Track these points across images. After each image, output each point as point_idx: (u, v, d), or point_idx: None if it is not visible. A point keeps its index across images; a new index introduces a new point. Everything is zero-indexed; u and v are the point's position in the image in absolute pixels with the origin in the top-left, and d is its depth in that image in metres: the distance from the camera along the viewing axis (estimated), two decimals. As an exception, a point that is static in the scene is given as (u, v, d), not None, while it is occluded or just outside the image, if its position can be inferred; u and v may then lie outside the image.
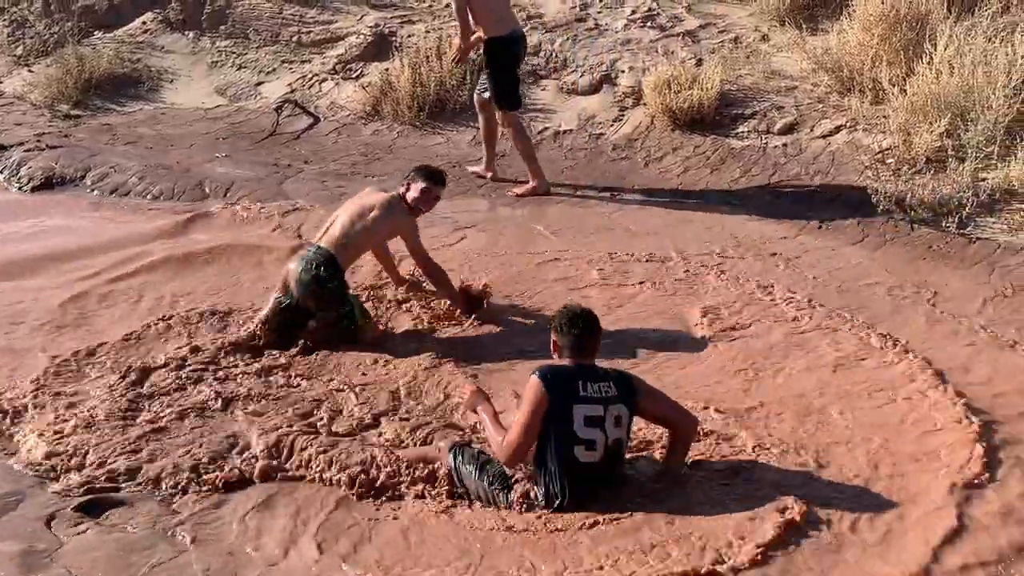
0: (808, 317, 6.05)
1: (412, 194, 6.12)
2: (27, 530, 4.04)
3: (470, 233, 7.67)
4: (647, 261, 6.95)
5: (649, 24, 10.45)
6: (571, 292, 6.43)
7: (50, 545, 3.94)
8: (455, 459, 4.45)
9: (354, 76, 10.94)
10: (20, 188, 9.19)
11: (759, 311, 6.16)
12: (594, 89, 9.93)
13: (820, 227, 7.55)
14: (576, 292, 6.43)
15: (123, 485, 4.37)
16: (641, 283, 6.62)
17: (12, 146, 9.85)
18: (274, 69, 11.48)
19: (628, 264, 6.91)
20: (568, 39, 10.57)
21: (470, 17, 8.06)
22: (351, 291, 6.05)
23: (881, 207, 7.56)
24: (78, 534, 4.04)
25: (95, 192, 8.97)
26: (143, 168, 9.19)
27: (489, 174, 8.78)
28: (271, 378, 5.41)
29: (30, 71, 11.92)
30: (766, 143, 8.85)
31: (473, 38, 8.19)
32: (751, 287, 6.50)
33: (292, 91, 10.98)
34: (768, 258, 7.01)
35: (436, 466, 4.50)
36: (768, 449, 4.61)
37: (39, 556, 3.85)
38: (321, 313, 5.80)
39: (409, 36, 11.12)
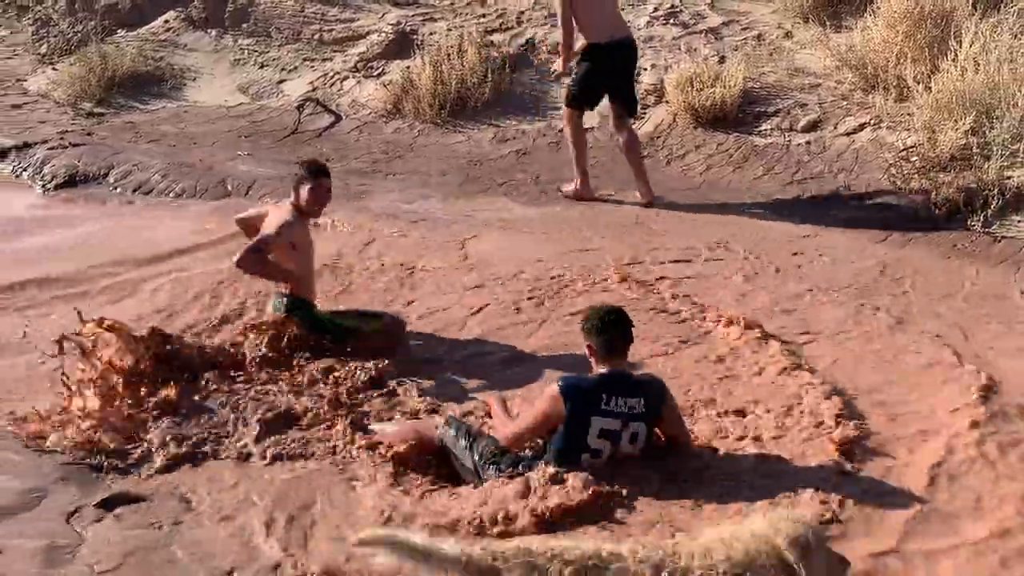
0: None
1: (304, 198, 5.60)
2: (49, 526, 4.05)
3: (484, 232, 7.64)
4: (662, 263, 6.93)
5: (672, 21, 10.42)
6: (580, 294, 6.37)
7: (72, 541, 3.95)
8: (450, 430, 4.50)
9: (375, 74, 10.95)
10: (43, 186, 9.23)
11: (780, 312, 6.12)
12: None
13: (843, 225, 7.49)
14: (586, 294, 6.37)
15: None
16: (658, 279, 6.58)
17: (36, 144, 9.90)
18: (296, 67, 11.51)
19: (645, 266, 6.89)
20: (590, 36, 10.53)
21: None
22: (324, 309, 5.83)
23: (905, 205, 7.49)
24: (99, 530, 4.05)
25: (117, 190, 9.00)
26: (166, 166, 9.22)
27: (647, 200, 8.06)
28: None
29: (54, 69, 11.98)
30: (789, 141, 8.80)
31: (578, 46, 7.89)
32: (772, 285, 6.46)
33: (314, 89, 10.99)
34: (791, 257, 6.96)
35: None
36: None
37: (61, 552, 3.86)
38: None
39: (431, 34, 11.11)
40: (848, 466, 4.31)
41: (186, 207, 8.51)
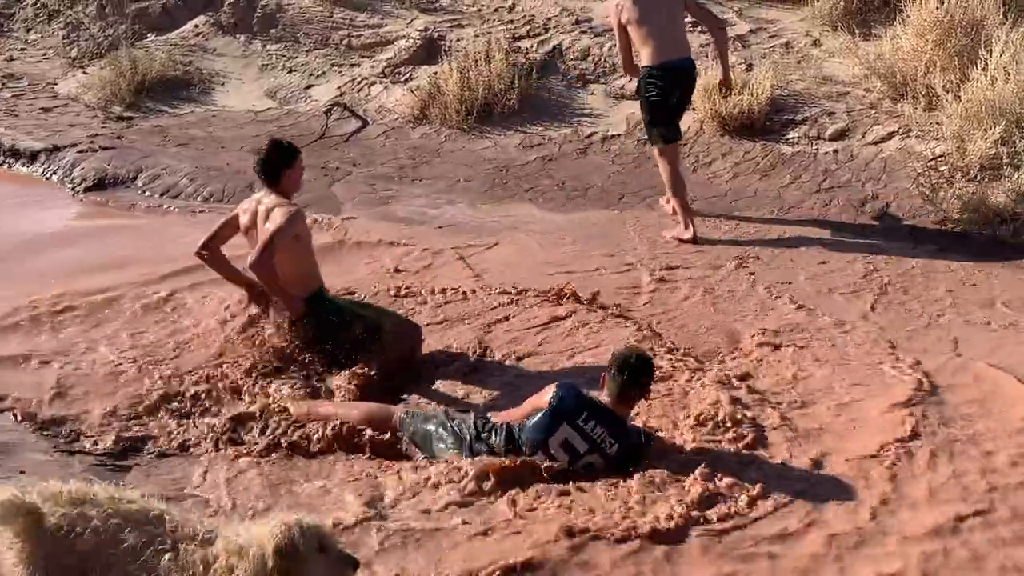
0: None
1: (293, 179, 5.55)
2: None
3: (505, 238, 7.64)
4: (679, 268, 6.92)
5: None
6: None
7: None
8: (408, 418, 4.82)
9: (403, 80, 10.98)
10: (73, 188, 9.31)
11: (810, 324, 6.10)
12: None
13: (871, 235, 7.46)
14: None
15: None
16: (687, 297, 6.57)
17: (66, 147, 9.98)
18: (323, 72, 11.55)
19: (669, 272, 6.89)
20: (616, 43, 10.52)
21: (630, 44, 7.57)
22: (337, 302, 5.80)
23: (934, 215, 7.45)
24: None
25: (146, 193, 9.07)
26: (194, 170, 9.28)
27: (688, 233, 7.51)
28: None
29: (84, 73, 12.07)
30: (817, 149, 8.76)
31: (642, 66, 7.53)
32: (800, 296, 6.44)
33: (341, 94, 11.04)
34: (817, 266, 6.93)
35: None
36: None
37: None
38: (341, 342, 5.53)
39: (458, 40, 11.13)
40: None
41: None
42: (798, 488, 4.31)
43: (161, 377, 5.45)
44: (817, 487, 4.33)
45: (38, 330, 6.04)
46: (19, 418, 5.07)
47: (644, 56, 7.40)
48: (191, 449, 4.85)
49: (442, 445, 4.67)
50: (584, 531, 3.94)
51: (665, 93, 7.40)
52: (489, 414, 4.82)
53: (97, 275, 6.88)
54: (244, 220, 5.53)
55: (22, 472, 4.48)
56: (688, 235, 7.42)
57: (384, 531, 4.01)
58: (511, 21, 11.36)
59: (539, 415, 4.47)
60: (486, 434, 4.59)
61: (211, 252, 5.66)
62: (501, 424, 4.61)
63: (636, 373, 4.43)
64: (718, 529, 4.03)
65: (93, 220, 8.64)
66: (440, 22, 11.63)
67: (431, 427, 4.75)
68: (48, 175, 9.67)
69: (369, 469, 4.59)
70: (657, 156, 7.64)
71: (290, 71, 11.69)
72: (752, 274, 6.82)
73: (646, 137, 7.91)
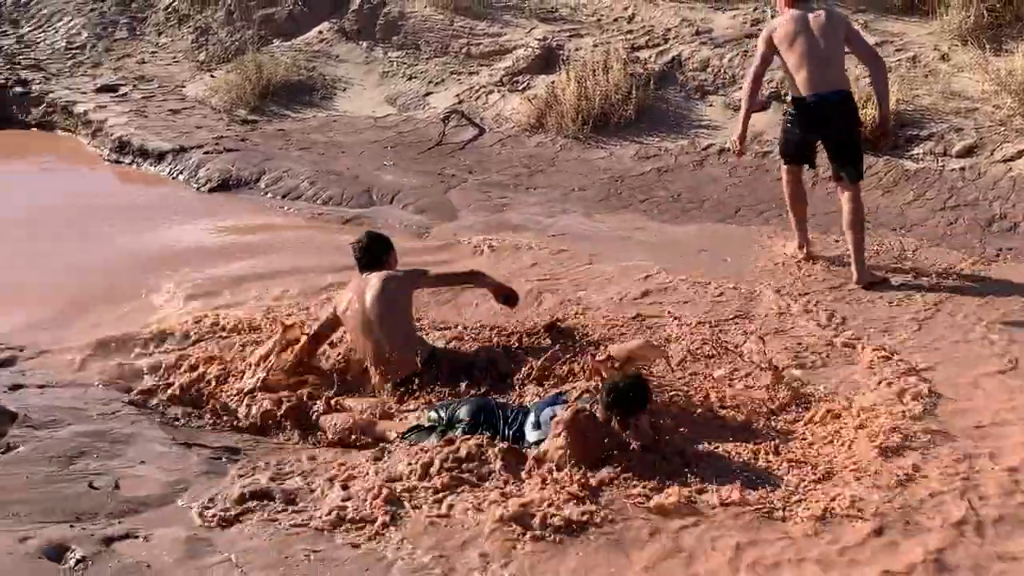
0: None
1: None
2: (192, 518, 4.19)
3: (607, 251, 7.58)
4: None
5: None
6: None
7: (213, 534, 4.07)
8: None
9: (520, 88, 11.03)
10: (198, 188, 9.59)
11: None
12: (762, 106, 9.73)
13: (998, 256, 7.21)
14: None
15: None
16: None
17: (192, 148, 10.29)
18: (442, 80, 11.68)
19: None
20: (737, 55, 10.41)
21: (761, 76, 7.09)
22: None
23: (1067, 237, 7.18)
24: (240, 524, 4.16)
25: (268, 195, 9.29)
26: (314, 173, 9.47)
27: (802, 252, 7.20)
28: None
29: (212, 76, 12.44)
30: (943, 166, 8.51)
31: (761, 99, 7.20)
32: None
33: (459, 102, 11.14)
34: (941, 290, 6.72)
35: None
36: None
37: (202, 544, 3.98)
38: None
39: (577, 50, 11.14)
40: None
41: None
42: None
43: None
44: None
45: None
46: (141, 409, 5.25)
47: (794, 84, 6.82)
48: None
49: None
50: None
51: (805, 130, 6.85)
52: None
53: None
54: (343, 303, 5.66)
55: (142, 463, 4.63)
56: (802, 253, 7.20)
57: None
58: (630, 31, 11.32)
59: None
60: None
61: (318, 344, 5.78)
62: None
63: (622, 402, 4.52)
64: None
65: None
66: (559, 32, 11.65)
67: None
68: (174, 175, 9.98)
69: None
70: (783, 172, 7.27)
71: (410, 78, 11.85)
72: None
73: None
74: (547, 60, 11.23)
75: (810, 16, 6.73)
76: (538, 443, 4.60)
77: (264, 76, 11.73)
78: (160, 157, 10.27)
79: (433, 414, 4.91)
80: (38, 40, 14.07)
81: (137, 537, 3.99)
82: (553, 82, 10.62)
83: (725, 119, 9.79)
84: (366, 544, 4.03)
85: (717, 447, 4.70)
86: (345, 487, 4.39)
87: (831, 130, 6.78)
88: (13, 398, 5.27)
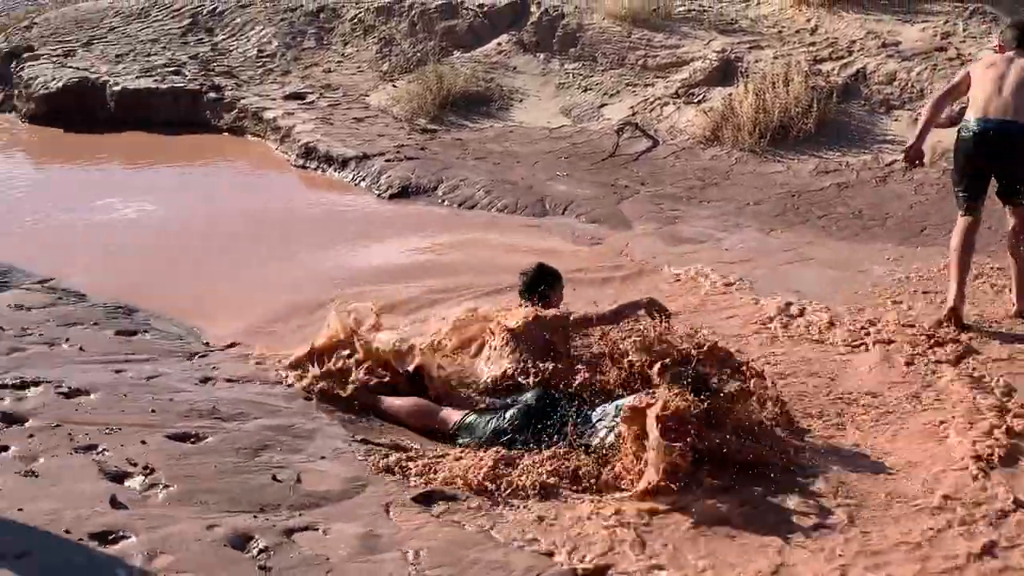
0: None
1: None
2: (369, 514, 4.30)
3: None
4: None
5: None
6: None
7: (388, 531, 4.18)
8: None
9: (696, 100, 10.95)
10: (379, 195, 9.87)
11: None
12: (951, 122, 9.35)
13: None
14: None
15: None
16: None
17: (374, 155, 10.59)
18: (617, 92, 11.70)
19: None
20: (926, 68, 10.06)
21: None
22: None
23: None
24: (414, 523, 4.26)
25: (445, 203, 9.48)
26: (490, 182, 9.62)
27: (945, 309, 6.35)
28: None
29: (394, 86, 12.79)
30: None
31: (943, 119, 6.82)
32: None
33: (634, 114, 11.13)
34: None
35: None
36: None
37: (379, 540, 4.09)
38: None
39: (756, 62, 10.99)
40: None
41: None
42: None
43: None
44: None
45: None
46: (321, 405, 5.43)
47: (969, 105, 6.45)
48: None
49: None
50: None
51: (969, 158, 6.37)
52: None
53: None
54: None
55: (323, 458, 4.79)
56: (944, 311, 6.29)
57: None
58: (812, 44, 11.09)
59: None
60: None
61: None
62: None
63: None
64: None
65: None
66: (738, 44, 11.51)
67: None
68: (357, 181, 10.30)
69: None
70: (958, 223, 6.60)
71: (585, 90, 11.92)
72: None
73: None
74: (725, 72, 11.11)
75: (1020, 60, 6.33)
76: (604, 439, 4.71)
77: (444, 87, 11.99)
78: (344, 163, 10.62)
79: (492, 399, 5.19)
80: (231, 48, 14.74)
81: (316, 530, 4.12)
82: (730, 94, 10.50)
83: (912, 135, 9.42)
84: (530, 548, 4.08)
85: None
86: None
87: (993, 167, 6.33)
88: (203, 390, 5.53)
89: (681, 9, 12.70)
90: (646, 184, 9.57)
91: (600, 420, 4.85)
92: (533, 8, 13.27)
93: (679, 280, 7.18)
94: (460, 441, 5.08)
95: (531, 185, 9.55)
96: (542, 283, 5.85)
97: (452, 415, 5.26)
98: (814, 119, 9.85)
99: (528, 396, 5.11)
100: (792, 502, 4.41)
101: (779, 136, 9.95)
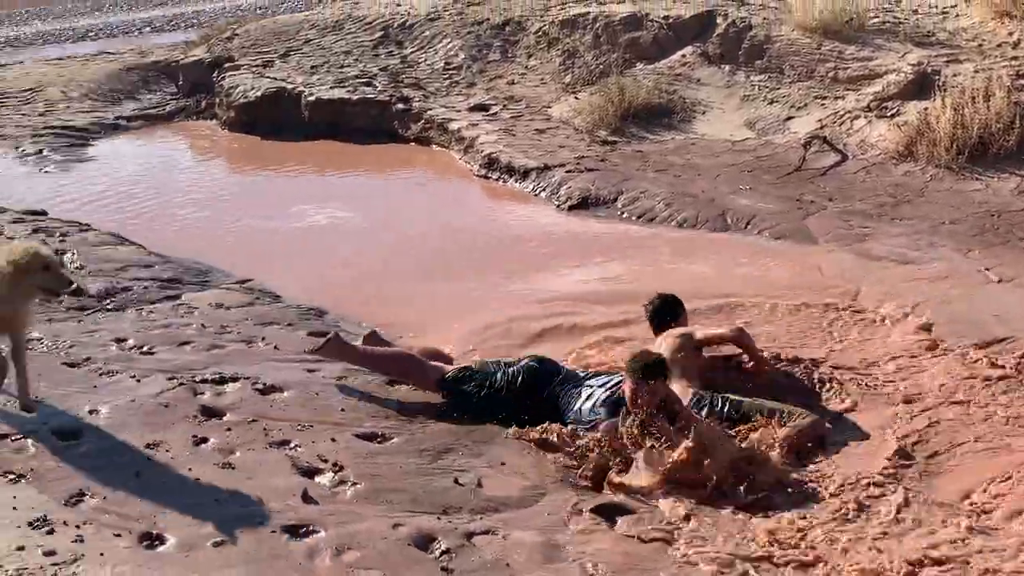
0: None
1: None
2: (548, 523, 4.33)
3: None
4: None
5: None
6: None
7: (567, 540, 4.20)
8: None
9: (889, 114, 10.59)
10: (558, 206, 9.93)
11: None
12: None
13: None
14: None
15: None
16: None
17: (555, 167, 10.66)
18: (805, 104, 11.44)
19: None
20: None
21: None
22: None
23: None
24: (592, 535, 4.27)
25: (624, 215, 9.46)
26: (670, 195, 9.54)
27: None
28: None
29: (576, 98, 12.85)
30: None
31: None
32: None
33: (821, 127, 10.85)
34: None
35: None
36: None
37: (557, 549, 4.11)
38: None
39: (954, 75, 10.54)
40: None
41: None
42: None
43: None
44: None
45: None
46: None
47: None
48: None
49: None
50: None
51: None
52: None
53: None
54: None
55: (503, 464, 4.85)
56: None
57: None
58: (1015, 58, 10.58)
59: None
60: None
61: None
62: None
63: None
64: None
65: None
66: (935, 56, 11.08)
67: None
68: (537, 192, 10.39)
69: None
70: None
71: (771, 102, 11.69)
72: None
73: None
74: (920, 86, 10.70)
75: None
76: (590, 423, 5.11)
77: (626, 98, 11.97)
78: (525, 174, 10.73)
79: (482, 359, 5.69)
80: (419, 60, 15.12)
81: (496, 535, 4.17)
82: (926, 109, 10.11)
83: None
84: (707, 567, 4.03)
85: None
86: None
87: None
88: (388, 391, 5.69)
89: (875, 21, 12.31)
90: (834, 200, 9.30)
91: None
92: (719, 20, 13.12)
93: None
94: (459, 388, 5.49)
95: (713, 198, 9.43)
96: (668, 314, 6.06)
97: (445, 367, 5.69)
98: (1016, 136, 9.37)
99: (527, 359, 5.62)
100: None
101: (977, 153, 9.50)
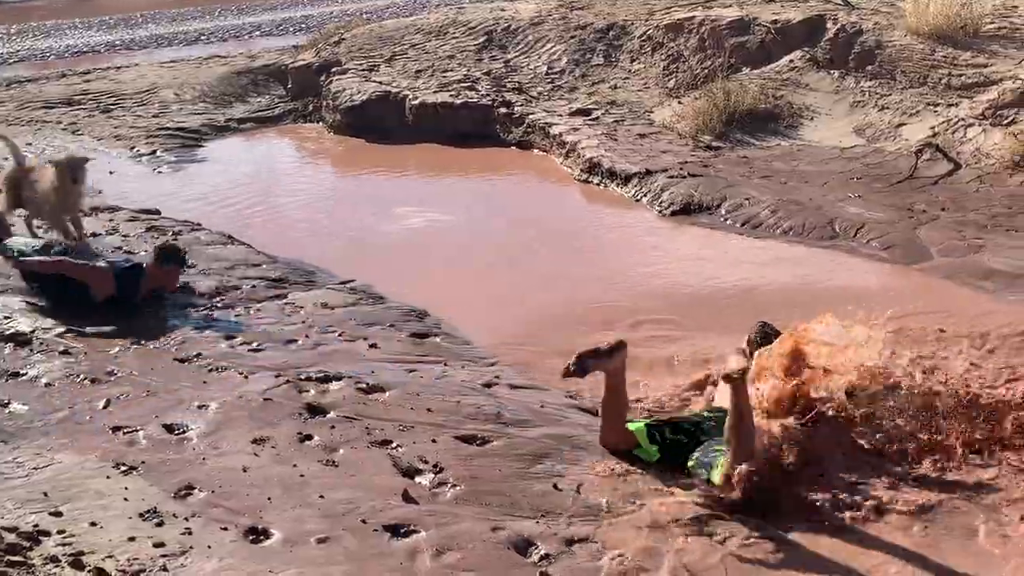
0: None
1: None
2: (646, 532, 4.30)
3: None
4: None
5: None
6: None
7: (666, 550, 4.16)
8: None
9: (1005, 123, 10.26)
10: (660, 212, 9.86)
11: None
12: None
13: None
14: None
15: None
16: None
17: (657, 172, 10.58)
18: (917, 111, 11.14)
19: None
20: None
21: None
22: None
23: None
24: (692, 545, 4.23)
25: (727, 221, 9.35)
26: (776, 202, 9.39)
27: None
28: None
29: (679, 103, 12.73)
30: None
31: None
32: None
33: (934, 135, 10.56)
34: None
35: None
36: None
37: (657, 558, 4.09)
38: None
39: (1075, 82, 10.19)
40: None
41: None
42: None
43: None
44: None
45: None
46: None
47: None
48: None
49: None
50: None
51: None
52: None
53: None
54: None
55: (600, 471, 4.83)
56: None
57: None
58: None
59: None
60: None
61: None
62: None
63: None
64: None
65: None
66: (1055, 63, 10.72)
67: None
68: (638, 197, 10.32)
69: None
70: None
71: (882, 108, 11.43)
72: None
73: None
74: (1039, 93, 10.35)
75: None
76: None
77: (731, 103, 11.81)
78: (626, 179, 10.67)
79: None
80: (522, 65, 15.15)
81: (595, 542, 4.17)
82: (1045, 118, 9.78)
83: None
84: None
85: None
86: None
87: None
88: (488, 395, 5.72)
89: (991, 27, 11.96)
90: (946, 210, 9.05)
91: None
92: (829, 24, 12.87)
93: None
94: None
95: (820, 206, 9.25)
96: (766, 342, 5.86)
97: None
98: None
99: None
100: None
101: (1097, 164, 9.19)
